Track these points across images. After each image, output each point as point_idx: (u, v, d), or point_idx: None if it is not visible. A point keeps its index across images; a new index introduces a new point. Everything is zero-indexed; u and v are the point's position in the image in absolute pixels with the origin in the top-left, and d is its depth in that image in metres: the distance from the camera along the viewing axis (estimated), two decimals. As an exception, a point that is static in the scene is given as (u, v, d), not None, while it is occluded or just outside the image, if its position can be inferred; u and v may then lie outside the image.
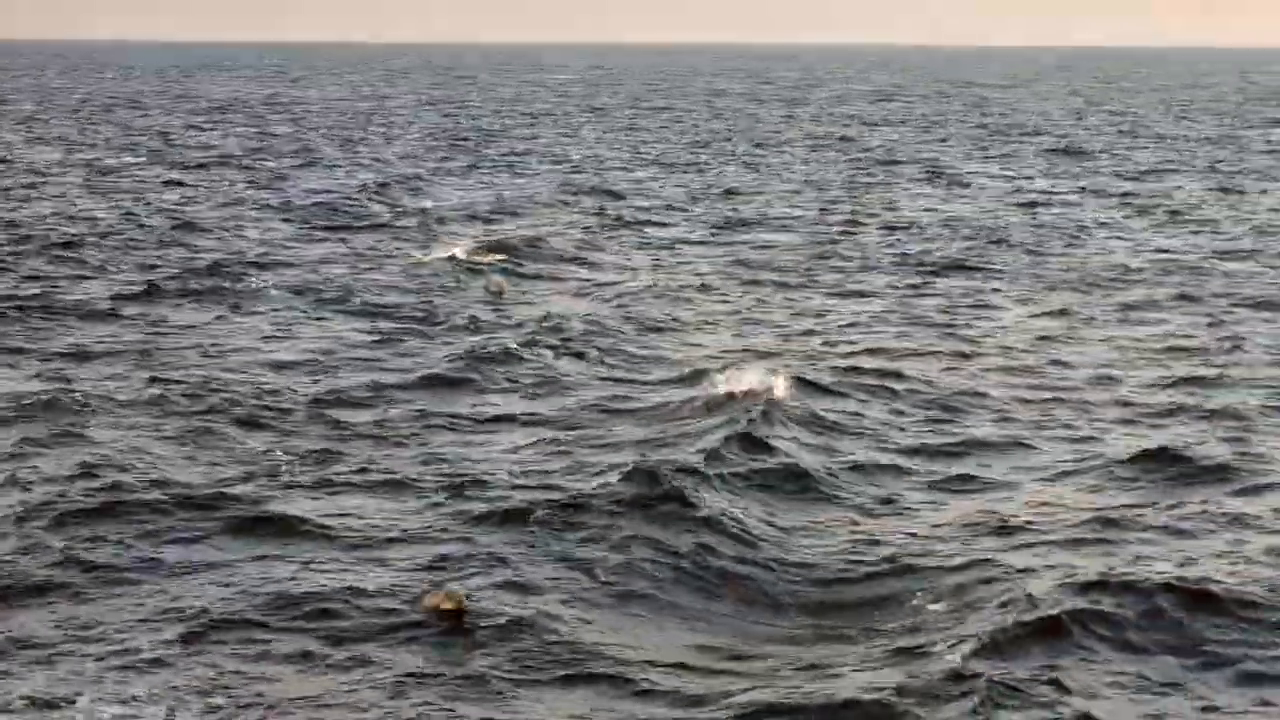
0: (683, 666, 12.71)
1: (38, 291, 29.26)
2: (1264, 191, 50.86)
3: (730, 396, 20.97)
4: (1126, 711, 11.80)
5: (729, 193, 50.18)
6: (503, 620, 13.14)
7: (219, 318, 27.51)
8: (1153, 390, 22.19)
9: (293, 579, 14.22)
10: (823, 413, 20.49)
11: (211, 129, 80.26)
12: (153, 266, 32.76)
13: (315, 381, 22.36)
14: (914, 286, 31.70)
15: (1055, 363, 24.15)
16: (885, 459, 18.74)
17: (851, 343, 25.84)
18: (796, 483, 17.68)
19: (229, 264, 32.93)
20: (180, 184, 50.48)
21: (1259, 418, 20.48)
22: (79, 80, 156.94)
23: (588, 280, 32.66)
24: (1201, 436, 19.53)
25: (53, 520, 15.66)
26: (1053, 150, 69.73)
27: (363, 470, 17.89)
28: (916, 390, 22.15)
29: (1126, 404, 21.39)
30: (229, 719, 11.46)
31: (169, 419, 19.85)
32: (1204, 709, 11.96)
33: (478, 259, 33.72)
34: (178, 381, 21.79)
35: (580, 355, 24.23)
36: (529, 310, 28.71)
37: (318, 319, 27.61)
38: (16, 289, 29.47)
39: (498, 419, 20.61)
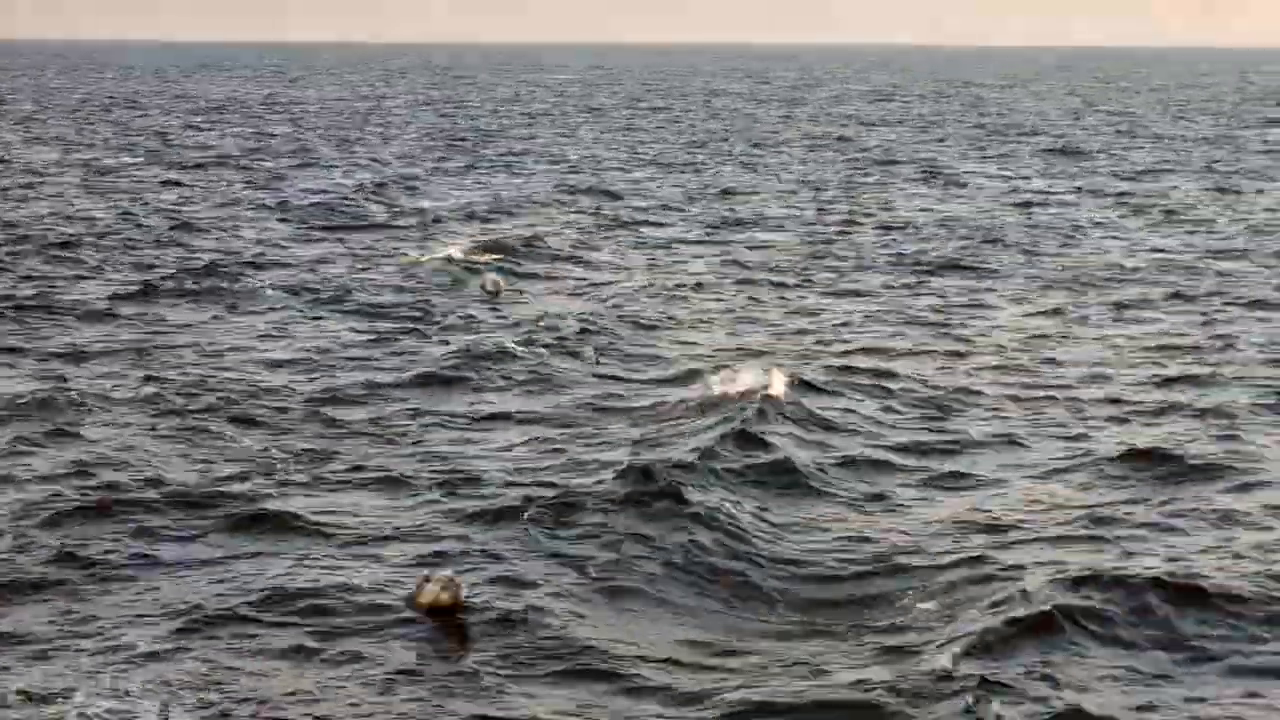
0: (675, 663, 12.76)
1: (35, 291, 29.33)
2: (1260, 191, 50.95)
3: (725, 395, 21.06)
4: (1118, 706, 11.83)
5: (725, 193, 50.27)
6: (495, 616, 13.21)
7: (216, 317, 27.59)
8: (1145, 388, 22.26)
9: (287, 575, 14.29)
10: (817, 411, 20.56)
11: (209, 129, 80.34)
12: (150, 266, 32.84)
13: (311, 380, 22.44)
14: (909, 286, 31.79)
15: (1049, 361, 24.23)
16: (878, 457, 18.81)
17: (846, 342, 25.93)
18: (790, 480, 17.75)
19: (226, 264, 33.01)
20: (178, 184, 50.56)
21: (1250, 416, 20.57)
22: (78, 80, 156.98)
23: (584, 280, 32.74)
24: (1193, 434, 19.61)
25: (49, 517, 15.74)
26: (1050, 150, 69.82)
27: (358, 468, 17.96)
28: (910, 389, 22.22)
29: (1119, 402, 21.47)
30: (223, 714, 11.52)
31: (165, 417, 19.92)
32: (1194, 703, 12.02)
33: (474, 258, 33.80)
34: (174, 380, 21.87)
35: (575, 354, 24.30)
36: (525, 309, 28.80)
37: (314, 318, 27.69)
38: (14, 289, 29.54)
39: (493, 417, 20.68)
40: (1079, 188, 52.32)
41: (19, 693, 11.69)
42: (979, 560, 14.98)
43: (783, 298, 30.43)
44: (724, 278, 32.60)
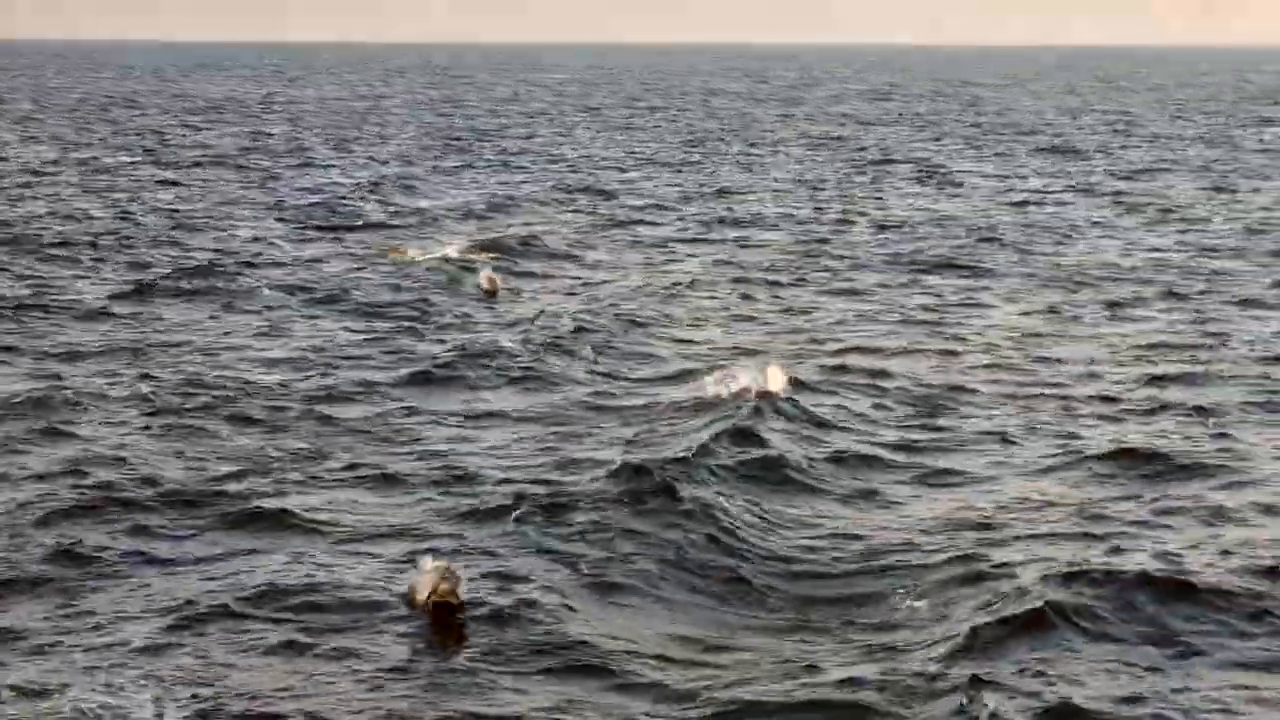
0: (666, 659, 12.81)
1: (31, 290, 29.39)
2: (1256, 190, 51.03)
3: (720, 393, 21.14)
4: (1109, 702, 11.89)
5: (722, 192, 50.35)
6: (488, 612, 13.27)
7: (212, 316, 27.64)
8: (1138, 387, 22.34)
9: (281, 572, 14.35)
10: (811, 409, 20.63)
11: (207, 129, 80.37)
12: (146, 265, 32.90)
13: (307, 379, 22.49)
14: (904, 285, 31.87)
15: (1042, 360, 24.31)
16: (871, 454, 18.88)
17: (840, 340, 26.00)
18: (783, 478, 17.82)
19: (222, 263, 33.08)
20: (175, 183, 50.61)
21: (1241, 414, 20.65)
22: (77, 80, 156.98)
23: (580, 278, 32.81)
24: (1184, 432, 19.70)
25: (44, 515, 15.79)
26: (1046, 149, 69.90)
27: (352, 466, 18.02)
28: (904, 387, 22.31)
29: (1111, 400, 21.54)
30: (216, 709, 11.58)
31: (161, 415, 19.97)
32: (1184, 698, 12.07)
33: (471, 257, 33.88)
34: (170, 379, 21.93)
35: (571, 353, 24.36)
36: (522, 308, 28.87)
37: (310, 317, 27.75)
38: (10, 288, 29.59)
39: (489, 415, 20.75)
40: (1075, 187, 52.40)
41: (12, 688, 11.76)
42: (971, 557, 15.04)
43: (778, 296, 30.50)
44: (719, 276, 32.68)
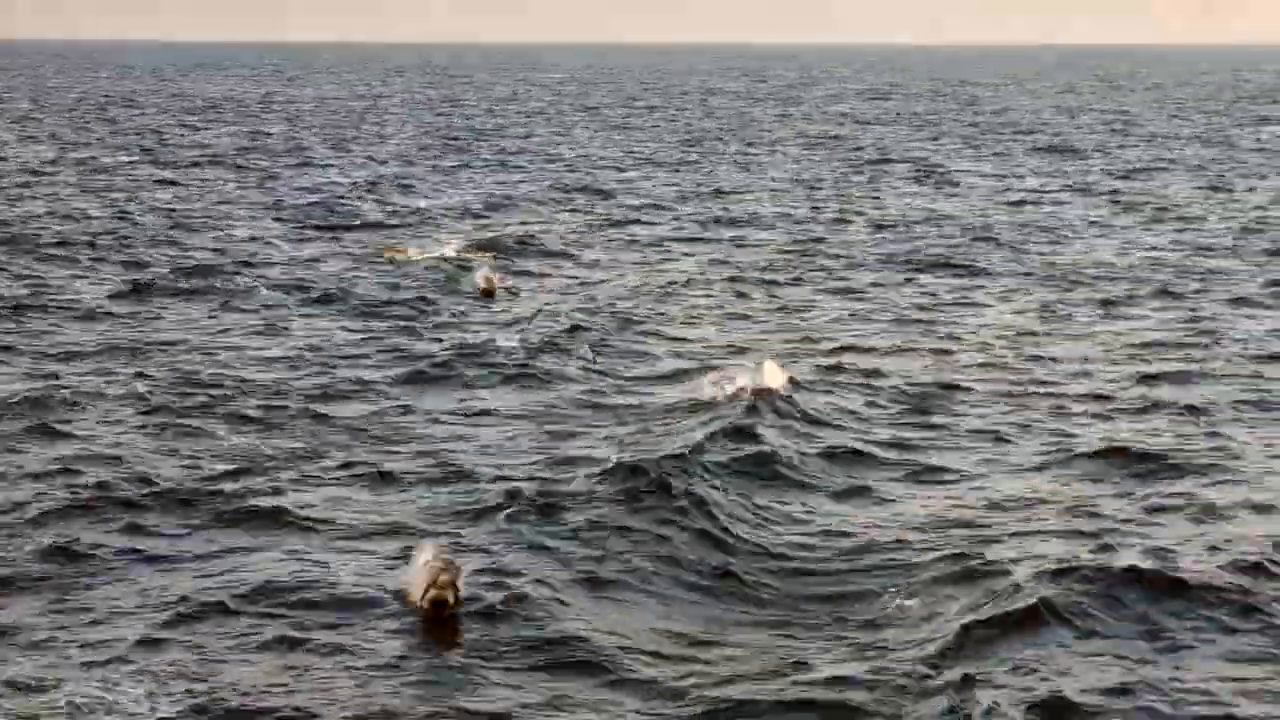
0: (659, 655, 12.89)
1: (29, 289, 29.47)
2: (1251, 189, 51.11)
3: (715, 392, 21.23)
4: (1101, 697, 11.96)
5: (719, 191, 50.43)
6: (482, 608, 13.35)
7: (210, 315, 27.71)
8: (1130, 385, 22.42)
9: (276, 569, 14.43)
10: (805, 407, 20.71)
11: (205, 128, 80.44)
12: (144, 264, 32.98)
13: (304, 377, 22.56)
14: (899, 284, 31.95)
15: (1035, 358, 24.40)
16: (865, 452, 18.97)
17: (836, 339, 26.08)
18: (777, 476, 17.90)
19: (220, 262, 33.17)
20: (173, 183, 50.69)
21: (1232, 412, 20.75)
22: (76, 79, 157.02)
23: (577, 278, 32.89)
24: (1175, 430, 19.80)
25: (41, 513, 15.89)
26: (1043, 148, 69.97)
27: (348, 464, 18.09)
28: (897, 385, 22.39)
29: (1103, 398, 21.63)
30: (209, 703, 11.66)
31: (157, 414, 20.05)
32: (1175, 692, 12.14)
33: (468, 257, 33.97)
34: (167, 378, 22.01)
35: (567, 351, 24.43)
36: (518, 308, 28.94)
37: (307, 316, 27.82)
38: (9, 287, 29.66)
39: (484, 413, 20.83)
40: (1071, 186, 52.46)
41: (9, 683, 11.85)
42: (964, 554, 15.12)
43: (774, 295, 30.59)
44: (716, 276, 32.75)
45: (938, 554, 15.27)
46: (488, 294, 30.04)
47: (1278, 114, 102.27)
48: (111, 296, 29.11)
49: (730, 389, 21.12)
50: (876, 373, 23.21)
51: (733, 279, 32.27)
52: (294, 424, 19.90)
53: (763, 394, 20.76)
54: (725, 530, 15.92)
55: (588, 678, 12.37)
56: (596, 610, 13.78)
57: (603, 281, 32.22)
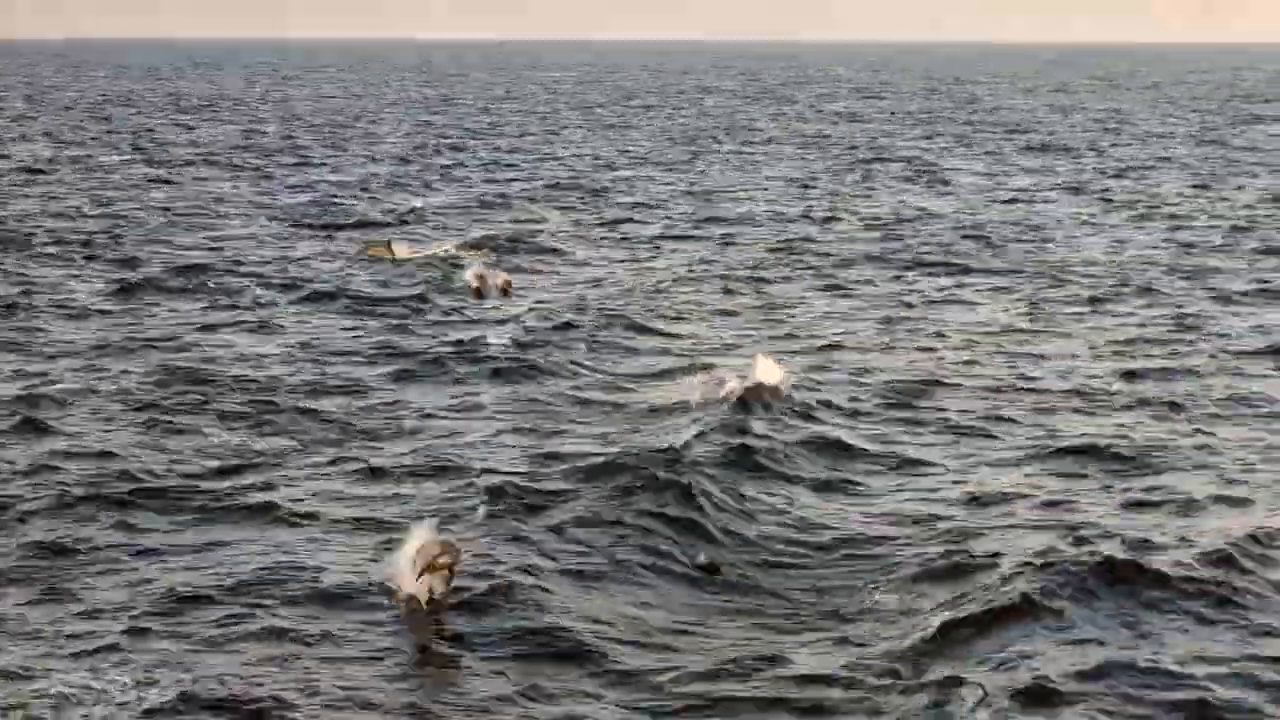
0: (642, 647, 12.99)
1: (22, 288, 29.57)
2: (1240, 188, 51.24)
3: (705, 388, 21.33)
4: (1081, 689, 12.08)
5: (712, 189, 50.55)
6: (469, 599, 13.50)
7: (203, 313, 27.81)
8: (1114, 381, 22.58)
9: (263, 562, 14.56)
10: (794, 403, 20.87)
11: (200, 127, 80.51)
12: (136, 263, 33.08)
13: (296, 374, 22.68)
14: (889, 281, 32.09)
15: (1021, 355, 24.56)
16: (852, 446, 19.11)
17: (824, 336, 26.23)
18: (766, 470, 18.03)
19: (214, 261, 33.27)
20: (167, 181, 50.78)
21: (1216, 409, 20.92)
22: (74, 79, 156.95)
23: (570, 275, 33.02)
24: (1159, 427, 19.96)
25: (31, 508, 16.02)
26: (1037, 147, 70.08)
27: (337, 460, 18.22)
28: (885, 381, 22.55)
29: (1087, 395, 21.78)
30: (197, 693, 11.79)
31: (148, 411, 20.15)
32: (1155, 683, 12.27)
33: (461, 255, 34.09)
34: (159, 375, 22.12)
35: (559, 348, 24.57)
36: (511, 306, 29.07)
37: (300, 314, 27.93)
38: (1, 285, 29.78)
39: (474, 409, 20.97)
40: (1062, 184, 52.59)
41: (-2, 673, 12.01)
42: (947, 548, 15.27)
43: (764, 293, 30.72)
44: (708, 273, 32.89)
45: (921, 547, 15.43)
46: (479, 292, 30.15)
47: (1271, 113, 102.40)
48: (105, 294, 29.22)
49: (720, 385, 21.26)
50: (864, 369, 23.38)
51: (725, 276, 32.41)
52: (284, 420, 20.01)
53: (752, 390, 20.90)
54: (713, 524, 16.06)
55: (572, 668, 12.51)
56: (581, 602, 13.91)
57: (595, 279, 32.35)
